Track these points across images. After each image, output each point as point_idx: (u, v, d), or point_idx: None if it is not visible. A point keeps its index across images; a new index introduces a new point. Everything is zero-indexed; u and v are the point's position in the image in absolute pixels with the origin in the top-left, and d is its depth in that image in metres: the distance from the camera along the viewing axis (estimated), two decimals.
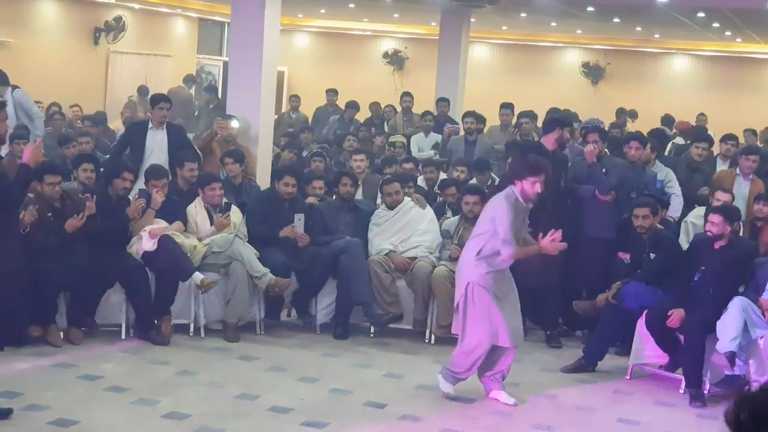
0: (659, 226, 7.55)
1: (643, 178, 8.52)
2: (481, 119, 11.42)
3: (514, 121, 12.21)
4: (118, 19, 18.01)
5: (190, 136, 11.03)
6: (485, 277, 6.22)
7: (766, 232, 7.74)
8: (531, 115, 11.76)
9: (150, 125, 9.21)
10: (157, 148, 9.06)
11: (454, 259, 7.99)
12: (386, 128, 13.43)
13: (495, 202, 6.30)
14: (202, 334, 7.74)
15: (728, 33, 16.74)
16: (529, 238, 6.43)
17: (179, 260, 7.49)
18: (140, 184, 8.21)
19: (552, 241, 6.18)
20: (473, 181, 9.50)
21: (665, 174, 8.71)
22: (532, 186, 6.16)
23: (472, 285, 6.24)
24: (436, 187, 9.63)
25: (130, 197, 7.76)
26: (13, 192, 5.46)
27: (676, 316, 6.84)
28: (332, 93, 14.98)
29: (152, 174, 8.05)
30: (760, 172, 9.04)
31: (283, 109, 16.13)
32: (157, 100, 9.35)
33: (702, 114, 15.24)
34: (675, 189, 8.63)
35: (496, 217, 6.16)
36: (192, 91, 17.65)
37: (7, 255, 5.43)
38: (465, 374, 6.46)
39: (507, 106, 12.16)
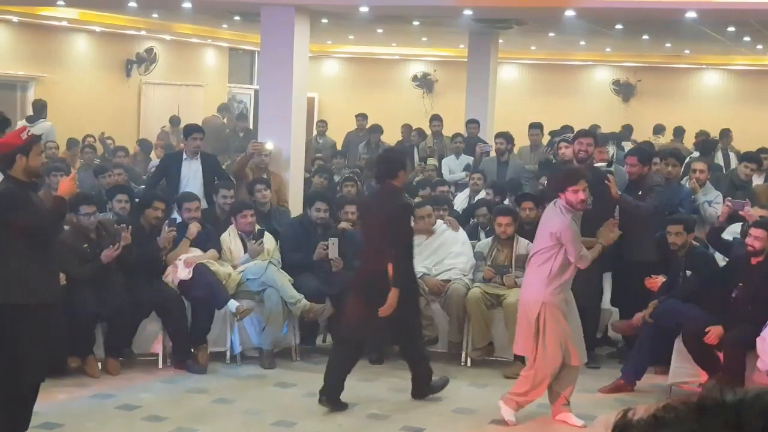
0: (694, 242, 7.48)
1: (678, 195, 8.45)
2: (510, 139, 11.41)
3: (544, 140, 12.19)
4: (150, 50, 18.22)
5: (225, 164, 11.13)
6: (557, 297, 6.24)
7: None
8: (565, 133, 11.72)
9: (184, 156, 9.30)
10: (192, 177, 9.14)
11: (488, 281, 7.97)
12: (417, 152, 13.45)
13: (553, 219, 6.30)
14: (239, 362, 7.77)
15: (759, 47, 16.61)
16: (586, 241, 6.50)
17: (214, 288, 7.53)
18: (175, 214, 8.29)
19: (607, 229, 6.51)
20: (506, 202, 9.48)
21: (715, 195, 8.59)
22: (575, 195, 6.18)
23: (546, 305, 6.23)
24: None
25: (165, 227, 7.81)
26: (48, 224, 5.52)
27: (714, 334, 6.76)
28: (362, 117, 15.03)
29: (183, 198, 8.17)
30: None
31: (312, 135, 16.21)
32: (191, 130, 9.45)
33: (729, 129, 15.11)
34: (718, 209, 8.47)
35: (561, 235, 6.18)
36: (225, 120, 17.82)
37: (45, 287, 5.47)
38: (531, 395, 6.43)
39: (536, 126, 12.13)
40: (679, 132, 15.88)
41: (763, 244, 6.88)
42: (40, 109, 13.37)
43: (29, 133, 5.44)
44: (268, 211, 8.90)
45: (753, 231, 6.99)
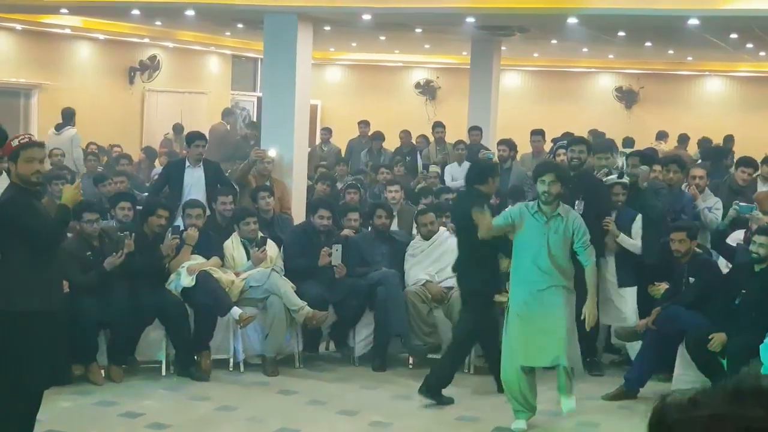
0: (697, 249, 7.47)
1: (680, 202, 8.44)
2: (513, 146, 11.42)
3: (546, 147, 12.19)
4: (153, 58, 18.25)
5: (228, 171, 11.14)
6: (515, 296, 6.34)
7: None
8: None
9: (187, 163, 9.31)
10: (195, 185, 9.15)
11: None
12: (419, 158, 13.45)
13: None
14: (242, 369, 7.76)
15: (762, 53, 16.61)
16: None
17: (217, 296, 7.54)
18: (179, 221, 8.30)
19: None
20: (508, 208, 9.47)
21: (714, 201, 8.60)
22: (540, 186, 6.35)
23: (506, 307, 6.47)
24: None
25: (168, 234, 7.81)
26: (51, 232, 5.52)
27: (717, 341, 6.76)
28: (364, 124, 15.03)
29: (187, 205, 8.20)
30: None
31: (316, 142, 16.22)
32: (193, 138, 9.46)
33: (730, 135, 15.15)
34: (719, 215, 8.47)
35: None
36: (229, 126, 17.85)
37: (48, 294, 5.48)
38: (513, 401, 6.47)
39: (538, 133, 12.14)
40: (683, 139, 15.88)
41: (767, 251, 6.88)
42: (69, 116, 13.65)
43: (21, 141, 5.37)
44: (271, 218, 8.91)
45: (757, 238, 6.99)
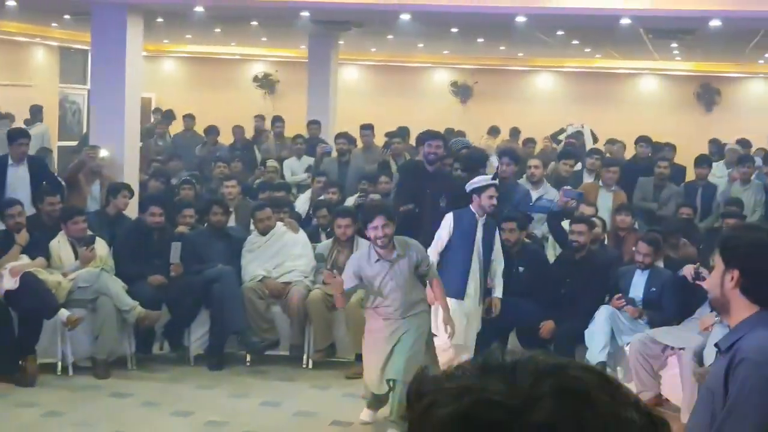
0: (526, 240, 7.67)
1: (515, 194, 8.56)
2: (351, 140, 11.46)
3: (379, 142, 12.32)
4: None
5: None
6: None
7: (628, 242, 7.97)
8: (402, 134, 11.93)
9: (9, 161, 8.90)
10: (19, 183, 8.77)
11: (328, 284, 7.93)
12: (258, 153, 13.32)
13: None
14: (71, 373, 7.47)
15: (588, 50, 17.24)
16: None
17: (43, 297, 7.23)
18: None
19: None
20: (347, 203, 9.48)
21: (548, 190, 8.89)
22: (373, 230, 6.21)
23: None
24: None
25: None
26: None
27: (546, 328, 6.97)
28: (190, 118, 14.75)
29: (4, 205, 7.83)
30: (623, 184, 9.33)
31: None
32: (16, 135, 9.05)
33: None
34: None
35: None
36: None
37: None
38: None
39: (367, 128, 12.29)
40: (514, 132, 16.35)
41: (585, 239, 7.18)
42: (36, 112, 14.25)
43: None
44: (114, 216, 8.61)
45: (575, 226, 7.30)
